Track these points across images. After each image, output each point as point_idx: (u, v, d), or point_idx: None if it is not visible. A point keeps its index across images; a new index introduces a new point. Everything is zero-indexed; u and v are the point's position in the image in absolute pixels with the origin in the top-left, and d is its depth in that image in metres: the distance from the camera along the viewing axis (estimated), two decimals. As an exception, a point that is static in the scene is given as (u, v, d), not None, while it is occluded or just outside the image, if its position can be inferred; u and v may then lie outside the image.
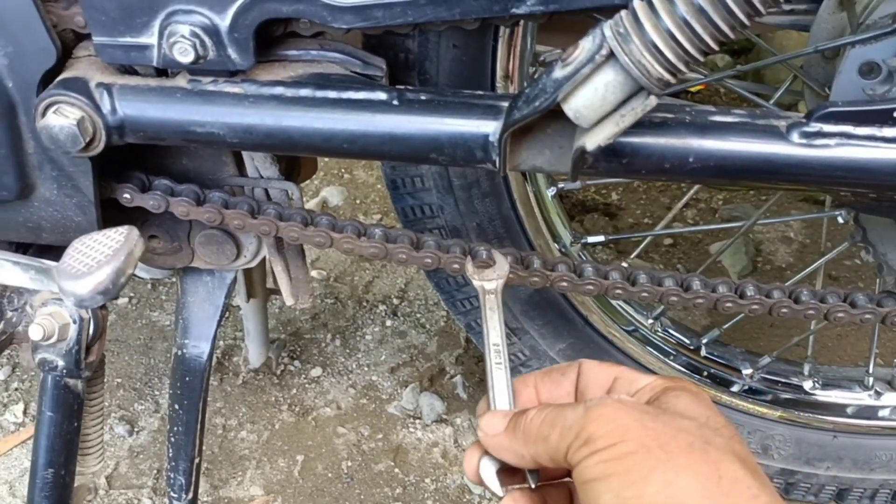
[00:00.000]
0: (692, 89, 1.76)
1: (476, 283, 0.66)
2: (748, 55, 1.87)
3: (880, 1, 0.73)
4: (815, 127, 0.64)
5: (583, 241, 0.99)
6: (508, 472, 0.55)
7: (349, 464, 1.23)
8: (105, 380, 0.94)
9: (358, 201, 1.74)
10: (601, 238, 1.00)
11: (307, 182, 1.79)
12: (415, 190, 0.88)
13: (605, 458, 0.47)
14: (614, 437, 0.47)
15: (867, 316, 0.80)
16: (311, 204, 1.73)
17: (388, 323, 1.45)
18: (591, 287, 0.80)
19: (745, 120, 0.65)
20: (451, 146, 0.66)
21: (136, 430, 1.28)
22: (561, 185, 0.97)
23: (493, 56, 0.79)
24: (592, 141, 0.59)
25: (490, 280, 0.65)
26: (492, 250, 0.73)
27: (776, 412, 1.05)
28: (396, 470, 1.22)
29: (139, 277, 1.55)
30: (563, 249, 0.98)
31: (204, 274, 0.94)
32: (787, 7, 0.93)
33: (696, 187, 1.16)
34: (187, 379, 0.97)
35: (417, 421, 1.29)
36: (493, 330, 0.61)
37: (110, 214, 0.83)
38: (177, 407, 0.98)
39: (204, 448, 1.24)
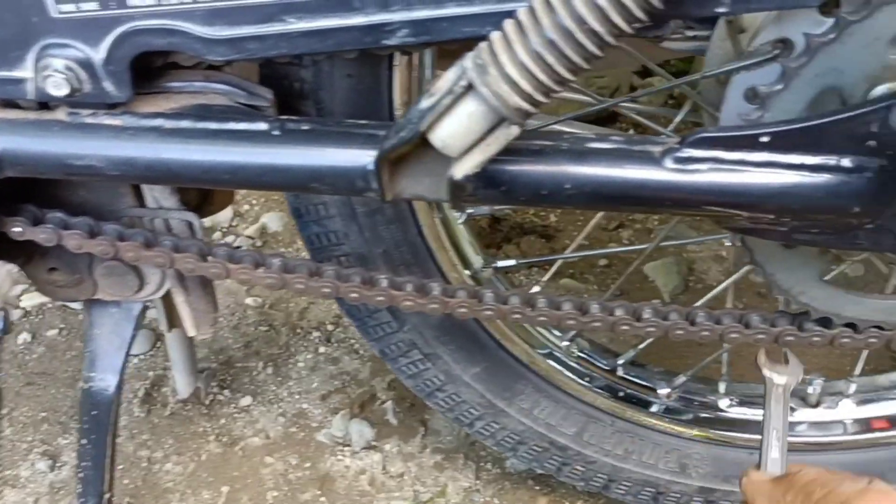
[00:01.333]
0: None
1: (767, 375, 0.74)
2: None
3: (761, 28, 0.75)
4: (686, 152, 0.65)
5: (494, 265, 0.99)
6: None
7: (275, 494, 1.21)
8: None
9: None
10: (512, 262, 1.01)
11: (247, 208, 1.78)
12: (319, 217, 0.88)
13: None
14: None
15: (760, 336, 0.82)
16: (250, 230, 1.72)
17: (322, 349, 1.44)
18: (489, 312, 0.81)
19: (621, 146, 0.67)
20: (331, 176, 0.66)
21: (57, 465, 1.25)
22: (470, 210, 0.97)
23: (389, 84, 0.79)
24: (460, 170, 0.60)
25: (781, 375, 0.74)
26: (789, 353, 0.77)
27: (692, 430, 1.06)
28: (323, 499, 1.21)
29: (71, 308, 1.52)
30: (475, 275, 0.99)
31: (110, 306, 0.94)
32: (690, 34, 0.95)
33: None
34: (94, 413, 0.95)
35: (346, 448, 1.28)
36: (776, 417, 0.71)
37: (7, 247, 0.82)
38: (85, 441, 0.96)
39: (127, 482, 1.23)
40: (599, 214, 1.07)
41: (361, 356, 1.43)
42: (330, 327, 1.48)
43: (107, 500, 0.99)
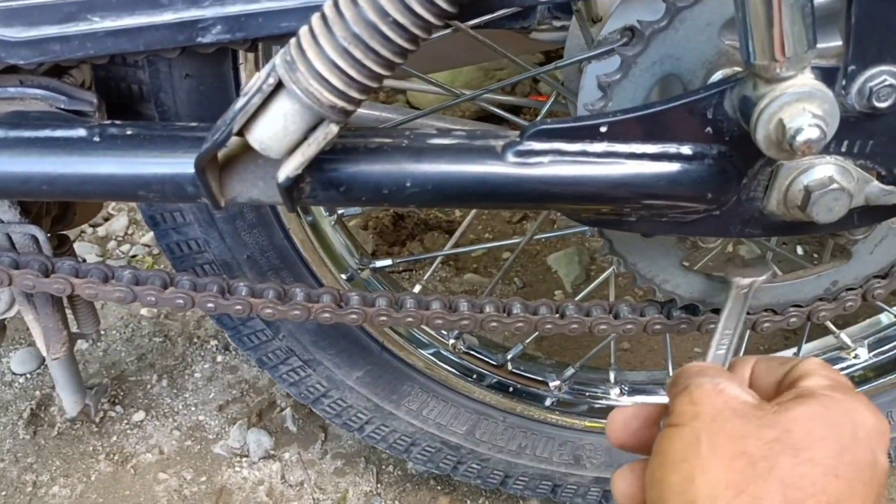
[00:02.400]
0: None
1: (732, 279, 0.71)
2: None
3: (608, 17, 0.74)
4: (527, 146, 0.64)
5: (371, 266, 0.97)
6: None
7: (168, 511, 1.17)
8: None
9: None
10: (388, 262, 0.98)
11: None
12: (176, 225, 0.84)
13: (666, 434, 0.47)
14: (683, 418, 0.47)
15: (629, 326, 0.81)
16: (146, 238, 1.66)
17: (220, 358, 1.40)
18: (354, 316, 0.79)
19: (462, 142, 0.65)
20: (158, 183, 0.62)
21: (-67, 496, 1.18)
22: (341, 210, 0.95)
23: (237, 83, 0.76)
24: (283, 172, 0.57)
25: (746, 278, 0.71)
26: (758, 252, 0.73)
27: (584, 422, 1.05)
28: (218, 513, 1.17)
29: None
30: (352, 277, 0.96)
31: (-39, 327, 0.88)
32: (557, 24, 0.94)
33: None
34: (-51, 442, 0.89)
35: (244, 459, 1.24)
36: (730, 319, 0.67)
37: None
38: (-58, 473, 0.90)
39: (9, 509, 1.16)
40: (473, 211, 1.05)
41: (261, 363, 1.39)
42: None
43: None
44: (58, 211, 0.89)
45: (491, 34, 0.86)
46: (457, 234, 1.00)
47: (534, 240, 1.54)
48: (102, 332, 1.44)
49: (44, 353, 0.85)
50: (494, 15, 0.67)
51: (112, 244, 1.64)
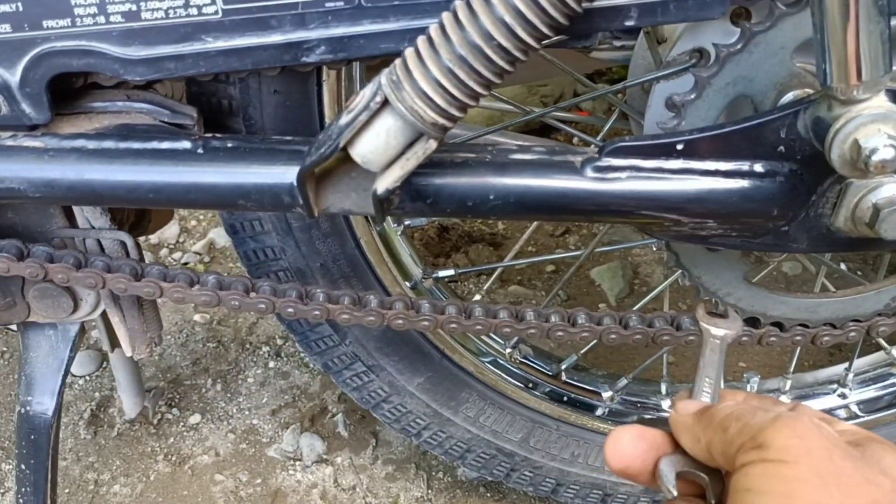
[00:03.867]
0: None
1: (704, 326, 0.71)
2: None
3: (678, 39, 0.77)
4: (605, 162, 0.67)
5: (434, 276, 1.00)
6: (686, 482, 0.53)
7: (225, 512, 1.21)
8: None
9: (245, 241, 1.72)
10: (451, 272, 1.02)
11: (195, 224, 1.77)
12: (255, 233, 0.88)
13: (772, 472, 0.42)
14: (792, 454, 0.42)
15: (691, 337, 0.84)
16: (197, 246, 1.71)
17: (272, 364, 1.44)
18: (426, 323, 0.82)
19: (543, 157, 0.68)
20: (257, 193, 0.66)
21: (1, 491, 1.23)
22: (407, 222, 0.98)
23: (319, 99, 0.80)
24: (382, 185, 0.61)
25: (720, 329, 0.71)
26: (728, 308, 0.76)
27: (636, 433, 1.07)
28: (274, 515, 1.20)
29: (13, 331, 1.49)
30: (416, 285, 0.99)
31: (46, 328, 0.92)
32: (618, 44, 0.97)
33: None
34: (33, 437, 0.94)
35: (297, 463, 1.27)
36: (710, 367, 0.68)
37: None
38: (23, 467, 0.95)
39: (73, 506, 1.20)
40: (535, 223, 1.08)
41: (311, 370, 1.42)
42: (279, 341, 1.47)
43: (48, 525, 0.97)
44: (135, 218, 0.93)
45: (552, 53, 0.89)
46: (515, 248, 1.03)
47: (576, 255, 1.57)
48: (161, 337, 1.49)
49: (129, 354, 0.89)
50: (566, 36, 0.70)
51: (164, 251, 1.69)
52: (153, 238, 1.71)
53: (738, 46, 0.66)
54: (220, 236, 1.73)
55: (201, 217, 1.74)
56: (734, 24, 0.72)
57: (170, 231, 1.72)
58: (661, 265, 1.63)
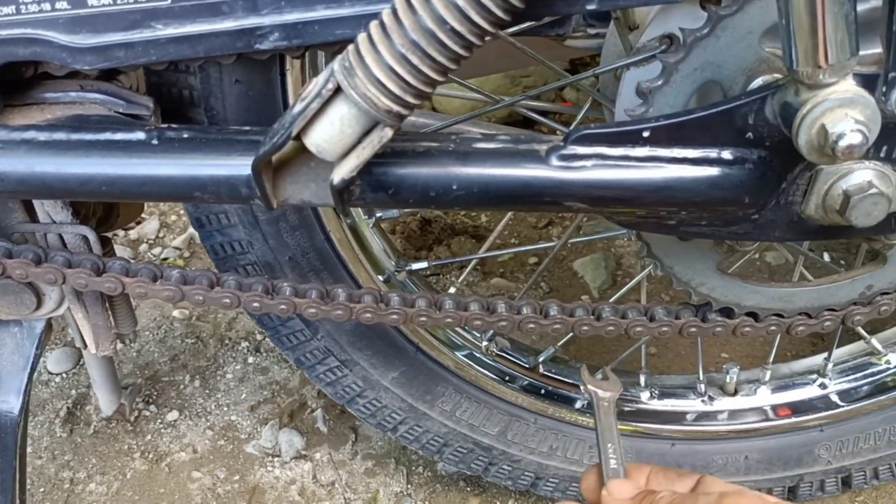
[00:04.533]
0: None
1: (591, 388, 0.77)
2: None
3: (648, 25, 0.76)
4: (571, 150, 0.65)
5: (407, 268, 0.99)
6: None
7: (202, 509, 1.19)
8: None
9: (226, 236, 1.71)
10: (424, 265, 1.00)
11: (175, 219, 1.75)
12: (221, 227, 0.86)
13: None
14: None
15: (664, 328, 0.83)
16: (177, 241, 1.69)
17: (251, 360, 1.42)
18: (395, 316, 0.80)
19: (507, 146, 0.66)
20: (213, 184, 0.65)
21: (-26, 491, 1.21)
22: (379, 214, 0.97)
23: (283, 88, 0.78)
24: (338, 174, 0.59)
25: (606, 391, 0.76)
26: (607, 370, 0.80)
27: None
28: (251, 512, 1.19)
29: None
30: (389, 279, 0.98)
31: (10, 325, 0.91)
32: (592, 31, 0.96)
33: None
34: (-2, 436, 0.92)
35: (276, 459, 1.26)
36: (609, 432, 0.73)
37: None
38: (-10, 467, 0.93)
39: (48, 505, 1.19)
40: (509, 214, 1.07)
41: (291, 365, 1.41)
42: (259, 337, 1.46)
43: (16, 525, 0.95)
44: (102, 213, 0.91)
45: (526, 41, 0.88)
46: (490, 238, 1.02)
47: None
48: (136, 333, 1.47)
49: (93, 351, 0.87)
50: (534, 23, 0.69)
51: (144, 247, 1.67)
52: (132, 234, 1.69)
53: (706, 31, 0.64)
54: (200, 231, 1.71)
55: (181, 212, 1.72)
56: (703, 8, 0.71)
57: (149, 226, 1.70)
58: (644, 256, 1.62)
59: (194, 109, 0.77)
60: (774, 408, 1.08)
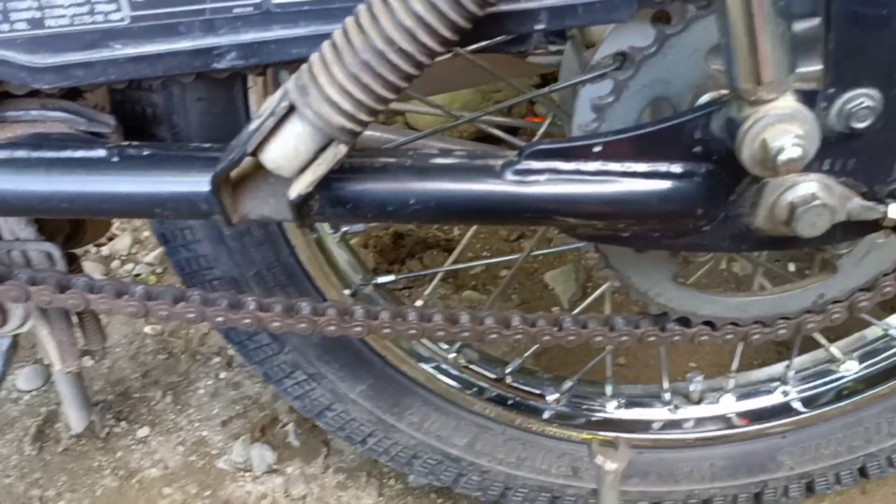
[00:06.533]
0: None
1: (598, 461, 0.77)
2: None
3: (601, 42, 0.78)
4: (525, 165, 0.67)
5: (374, 282, 1.00)
6: None
7: (172, 525, 1.19)
8: None
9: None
10: (391, 278, 1.01)
11: (147, 234, 1.75)
12: (186, 242, 0.87)
13: None
14: None
15: (624, 338, 0.84)
16: (150, 257, 1.68)
17: (223, 374, 1.42)
18: (359, 329, 0.81)
19: (463, 161, 0.68)
20: (173, 201, 0.66)
21: (-60, 511, 1.20)
22: (345, 228, 0.98)
23: (246, 106, 0.79)
24: (294, 190, 0.60)
25: (613, 463, 0.76)
26: (620, 440, 0.81)
27: (582, 434, 1.08)
28: (222, 527, 1.19)
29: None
30: (356, 293, 0.99)
31: (-25, 342, 0.90)
32: (553, 48, 0.98)
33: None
34: (-38, 455, 0.91)
35: (248, 474, 1.26)
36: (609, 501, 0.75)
37: None
38: (-46, 485, 0.92)
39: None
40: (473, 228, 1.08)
41: (263, 380, 1.41)
42: (231, 352, 1.45)
43: (-19, 545, 0.95)
44: (70, 229, 0.92)
45: (489, 58, 0.90)
46: (456, 251, 1.03)
47: (531, 257, 1.57)
48: (107, 349, 1.47)
49: (58, 367, 0.87)
50: (492, 41, 0.71)
51: (116, 263, 1.66)
52: (105, 250, 1.69)
53: (653, 49, 0.67)
54: (173, 246, 1.71)
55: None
56: (653, 26, 0.73)
57: (122, 242, 1.70)
58: (614, 268, 1.64)
59: (159, 127, 0.77)
60: (739, 415, 1.10)
